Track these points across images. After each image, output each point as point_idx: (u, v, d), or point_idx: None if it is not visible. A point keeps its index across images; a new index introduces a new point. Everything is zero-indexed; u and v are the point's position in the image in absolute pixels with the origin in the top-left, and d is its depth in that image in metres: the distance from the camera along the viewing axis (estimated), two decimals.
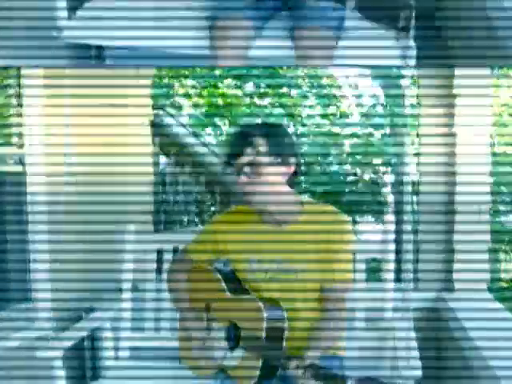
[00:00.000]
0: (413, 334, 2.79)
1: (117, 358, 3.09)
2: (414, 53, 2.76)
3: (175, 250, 3.13)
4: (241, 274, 2.58)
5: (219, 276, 2.60)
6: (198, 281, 2.65)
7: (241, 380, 2.42)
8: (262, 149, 2.40)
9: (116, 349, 3.10)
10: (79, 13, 2.97)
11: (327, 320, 2.46)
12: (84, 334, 3.08)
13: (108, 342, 3.11)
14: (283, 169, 2.45)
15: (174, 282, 2.74)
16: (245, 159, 2.40)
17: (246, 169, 2.40)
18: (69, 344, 2.82)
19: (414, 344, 2.67)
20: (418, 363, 2.44)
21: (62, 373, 2.73)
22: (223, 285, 2.56)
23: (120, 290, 3.17)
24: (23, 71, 3.45)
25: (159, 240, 3.31)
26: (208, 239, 2.68)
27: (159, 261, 3.23)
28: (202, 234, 2.75)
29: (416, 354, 2.54)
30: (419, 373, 2.40)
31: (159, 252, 3.23)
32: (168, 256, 3.18)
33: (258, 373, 2.35)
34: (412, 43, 2.76)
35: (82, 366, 3.50)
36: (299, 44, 2.74)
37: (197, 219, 7.73)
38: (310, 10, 2.77)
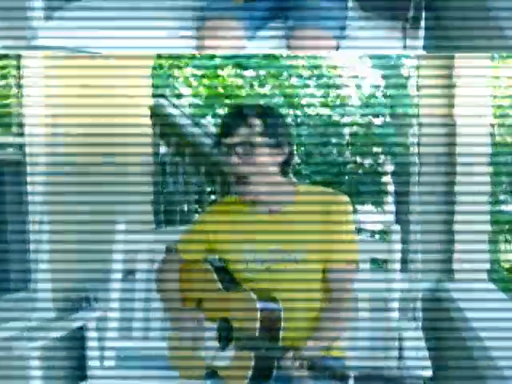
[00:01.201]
0: (420, 333, 2.76)
1: (102, 359, 3.05)
2: (420, 44, 2.73)
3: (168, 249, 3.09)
4: (235, 270, 2.50)
5: (213, 273, 2.53)
6: (190, 277, 2.59)
7: (232, 380, 2.35)
8: (256, 129, 2.35)
9: (102, 349, 3.06)
10: (56, 14, 2.91)
11: (332, 304, 2.41)
12: (65, 333, 3.02)
13: (94, 342, 3.07)
14: (276, 151, 2.39)
15: (165, 281, 2.66)
16: (238, 139, 2.35)
17: (239, 149, 2.35)
18: (46, 342, 2.79)
19: (423, 343, 2.62)
20: (428, 363, 2.38)
21: (38, 372, 2.68)
22: (217, 282, 2.49)
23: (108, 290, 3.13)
24: (23, 60, 3.44)
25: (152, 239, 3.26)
26: (198, 237, 2.61)
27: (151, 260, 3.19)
28: (191, 231, 2.69)
29: (425, 353, 2.49)
30: (429, 373, 2.34)
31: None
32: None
33: (249, 372, 2.27)
34: (421, 33, 2.71)
35: (69, 366, 3.46)
36: (298, 45, 2.69)
37: (197, 208, 7.71)
38: (310, 10, 2.71)
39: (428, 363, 2.34)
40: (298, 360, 2.15)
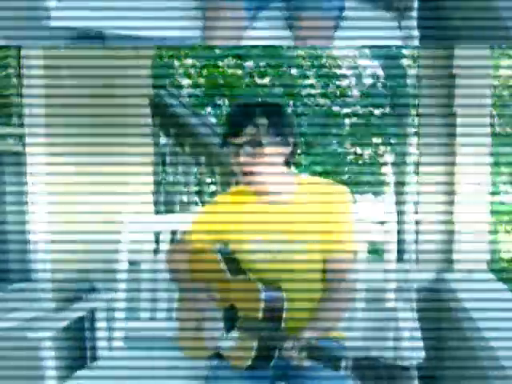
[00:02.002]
0: (415, 315, 2.78)
1: (111, 339, 3.09)
2: (415, 33, 2.73)
3: (173, 233, 3.12)
4: (241, 255, 2.56)
5: (220, 258, 2.57)
6: (198, 263, 2.63)
7: (235, 360, 2.40)
8: (264, 128, 2.37)
9: (112, 331, 3.10)
10: None
11: (331, 294, 2.45)
12: (76, 315, 3.05)
13: (104, 324, 3.10)
14: (282, 149, 2.43)
15: (173, 264, 2.72)
16: (246, 138, 2.37)
17: (247, 148, 2.38)
18: (60, 326, 2.81)
19: (417, 325, 2.65)
20: (420, 344, 2.40)
21: (51, 354, 2.70)
22: (223, 267, 2.53)
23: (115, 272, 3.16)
24: (23, 51, 3.44)
25: (157, 222, 3.29)
26: (206, 222, 2.66)
27: (156, 242, 3.21)
28: (200, 216, 2.74)
29: (418, 335, 2.52)
30: (421, 354, 2.36)
31: (157, 234, 3.21)
32: (165, 238, 3.17)
33: (253, 353, 2.32)
34: (414, 23, 2.72)
35: (78, 349, 3.47)
36: (298, 32, 2.69)
37: (197, 199, 7.72)
38: None
39: (421, 352, 2.36)
40: (295, 344, 2.19)
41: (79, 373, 2.78)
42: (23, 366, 2.99)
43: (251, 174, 2.41)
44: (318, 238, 2.46)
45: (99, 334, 3.09)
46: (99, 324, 3.09)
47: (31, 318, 3.14)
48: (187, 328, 2.59)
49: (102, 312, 3.10)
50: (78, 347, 3.47)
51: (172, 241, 3.08)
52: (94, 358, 3.03)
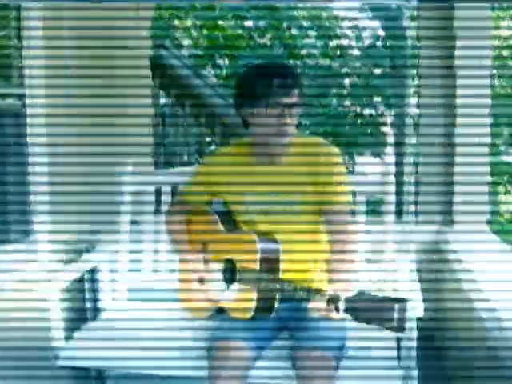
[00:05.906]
0: (414, 275, 2.78)
1: (114, 299, 3.11)
2: None
3: (173, 191, 3.13)
4: (236, 212, 2.62)
5: (216, 217, 2.62)
6: (195, 222, 2.67)
7: (237, 312, 2.46)
8: (302, 90, 2.45)
9: (113, 289, 3.12)
10: None
11: (335, 245, 2.47)
12: (80, 274, 3.06)
13: (105, 282, 3.12)
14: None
15: (171, 224, 2.76)
16: (295, 99, 2.42)
17: (293, 109, 2.43)
18: (64, 284, 2.84)
19: (417, 284, 2.65)
20: (420, 304, 2.39)
21: (59, 313, 2.73)
22: (220, 225, 2.60)
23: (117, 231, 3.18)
24: (23, 11, 3.43)
25: (157, 180, 3.30)
26: (201, 181, 2.71)
27: (157, 200, 3.23)
28: (194, 176, 2.78)
29: (418, 294, 2.51)
30: (420, 313, 2.36)
31: (157, 191, 3.22)
32: (166, 196, 3.18)
33: (254, 304, 2.39)
34: None
35: (81, 307, 3.50)
36: None
37: (197, 156, 7.73)
38: None
39: (421, 304, 2.37)
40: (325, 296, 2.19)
41: (87, 325, 2.87)
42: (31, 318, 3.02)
43: (286, 135, 2.45)
44: (310, 187, 2.50)
45: (101, 293, 3.11)
46: (101, 283, 3.11)
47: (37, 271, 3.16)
48: (188, 289, 2.63)
49: (104, 271, 3.11)
50: (78, 307, 3.49)
51: (172, 198, 3.09)
52: (95, 318, 3.06)
